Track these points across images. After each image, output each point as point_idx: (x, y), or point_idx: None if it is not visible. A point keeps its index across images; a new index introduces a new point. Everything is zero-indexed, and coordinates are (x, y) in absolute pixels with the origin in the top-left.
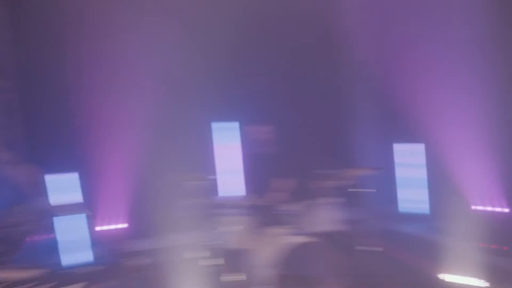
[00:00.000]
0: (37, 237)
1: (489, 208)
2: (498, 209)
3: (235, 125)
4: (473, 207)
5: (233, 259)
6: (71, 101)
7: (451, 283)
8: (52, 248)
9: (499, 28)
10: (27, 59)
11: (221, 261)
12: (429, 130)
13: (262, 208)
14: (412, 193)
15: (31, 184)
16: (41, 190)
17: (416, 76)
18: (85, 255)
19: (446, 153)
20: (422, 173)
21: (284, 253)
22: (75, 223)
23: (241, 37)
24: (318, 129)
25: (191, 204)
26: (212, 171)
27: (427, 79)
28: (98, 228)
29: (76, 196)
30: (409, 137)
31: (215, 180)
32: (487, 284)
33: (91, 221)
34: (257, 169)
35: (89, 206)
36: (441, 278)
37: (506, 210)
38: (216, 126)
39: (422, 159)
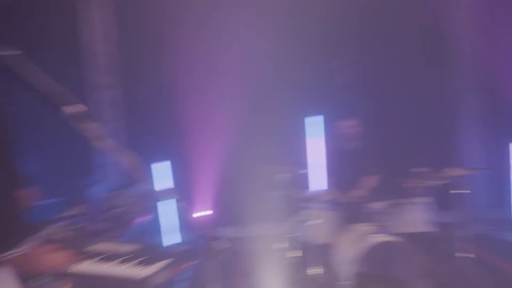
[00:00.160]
0: (140, 218)
1: None
2: None
3: (320, 119)
4: None
5: (315, 253)
6: (166, 95)
7: None
8: (151, 228)
9: None
10: (129, 57)
11: (302, 254)
12: None
13: (347, 204)
14: None
15: (137, 170)
16: (146, 176)
17: None
18: (177, 237)
19: None
20: None
21: (367, 251)
22: (171, 207)
23: (333, 28)
24: (417, 124)
25: (278, 196)
26: (303, 165)
27: None
28: (189, 213)
29: (168, 183)
30: None
31: (305, 174)
32: None
33: (185, 207)
34: (342, 164)
35: (180, 193)
36: None
37: None
38: (309, 121)
39: None
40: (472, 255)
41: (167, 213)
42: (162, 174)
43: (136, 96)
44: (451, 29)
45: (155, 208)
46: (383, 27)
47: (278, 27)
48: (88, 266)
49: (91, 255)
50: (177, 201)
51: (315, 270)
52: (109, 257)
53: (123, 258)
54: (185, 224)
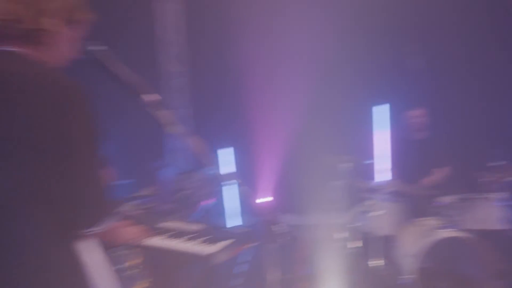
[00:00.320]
0: (206, 201)
1: None
2: None
3: (386, 108)
4: None
5: (376, 245)
6: (232, 84)
7: None
8: (215, 211)
9: None
10: (197, 47)
11: (363, 245)
12: None
13: (413, 196)
14: None
15: (203, 155)
16: (212, 161)
17: None
18: (239, 220)
19: None
20: None
21: (432, 245)
22: (234, 191)
23: (400, 15)
24: (493, 115)
25: (340, 186)
26: (369, 155)
27: None
28: (250, 198)
29: (231, 169)
30: None
31: (371, 165)
32: None
33: (247, 191)
34: (408, 155)
35: (242, 178)
36: None
37: None
38: (376, 110)
39: None
40: None
41: (230, 197)
42: (225, 160)
43: (202, 84)
44: None
45: (219, 192)
46: (453, 13)
47: (345, 14)
48: (158, 241)
49: (160, 232)
50: (240, 185)
51: (376, 262)
52: (176, 235)
53: (189, 236)
54: (247, 208)
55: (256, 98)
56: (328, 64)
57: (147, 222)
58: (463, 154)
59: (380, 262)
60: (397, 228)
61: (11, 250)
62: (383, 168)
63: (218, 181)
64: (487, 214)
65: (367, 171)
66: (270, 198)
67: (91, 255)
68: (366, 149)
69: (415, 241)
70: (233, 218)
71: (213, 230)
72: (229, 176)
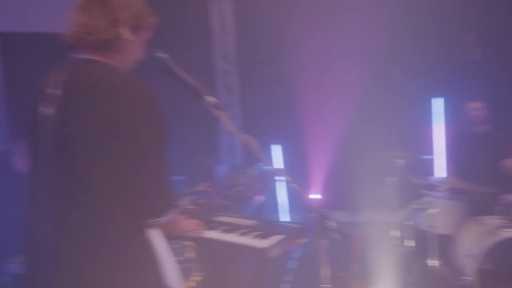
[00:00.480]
0: (258, 196)
1: None
2: None
3: (441, 101)
4: None
5: (433, 244)
6: (281, 81)
7: None
8: (267, 206)
9: None
10: (246, 45)
11: (418, 244)
12: None
13: (473, 193)
14: None
15: (256, 152)
16: (265, 157)
17: None
18: (290, 216)
19: None
20: None
21: (494, 246)
22: (284, 187)
23: (458, 4)
24: None
25: (394, 182)
26: (427, 150)
27: None
28: (300, 194)
29: (279, 166)
30: None
31: (429, 160)
32: None
33: (296, 188)
34: (467, 150)
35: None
36: None
37: None
38: (436, 103)
39: None
40: None
41: (281, 193)
42: (274, 158)
43: (251, 82)
44: None
45: (272, 187)
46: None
47: (402, 5)
48: (212, 234)
49: (214, 226)
50: (289, 182)
51: (432, 262)
52: (229, 229)
53: (242, 230)
54: (296, 204)
55: (305, 95)
56: (382, 57)
57: (201, 216)
58: None
59: (436, 262)
60: (455, 227)
61: (98, 239)
62: (442, 163)
63: (270, 176)
64: None
65: (425, 167)
66: (318, 196)
67: (158, 243)
68: (423, 144)
69: (475, 241)
70: (284, 214)
71: (266, 225)
72: (279, 172)
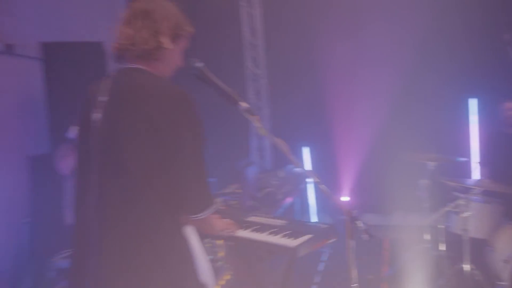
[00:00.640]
0: (288, 198)
1: None
2: None
3: (475, 101)
4: None
5: (465, 248)
6: (309, 84)
7: None
8: (297, 207)
9: None
10: (275, 49)
11: (450, 247)
12: None
13: (508, 196)
14: None
15: (287, 154)
16: (295, 159)
17: None
18: (319, 217)
19: None
20: None
21: None
22: (313, 190)
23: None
24: None
25: (426, 185)
26: (463, 151)
27: None
28: (329, 196)
29: (307, 168)
30: None
31: (466, 162)
32: None
33: (325, 189)
34: (503, 151)
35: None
36: None
37: None
38: (472, 103)
39: None
40: None
41: (311, 195)
42: (303, 160)
43: (279, 86)
44: None
45: (301, 190)
46: None
47: (437, 3)
48: (243, 233)
49: (245, 226)
50: (318, 183)
51: (465, 266)
52: (260, 228)
53: (272, 230)
54: (326, 206)
55: (334, 96)
56: (414, 57)
57: (233, 216)
58: None
59: (469, 266)
60: (489, 230)
61: (140, 233)
62: (478, 165)
63: (300, 178)
64: None
65: (462, 169)
66: (347, 198)
67: (194, 241)
68: (459, 145)
69: (510, 245)
70: (314, 216)
71: (295, 225)
72: (308, 174)
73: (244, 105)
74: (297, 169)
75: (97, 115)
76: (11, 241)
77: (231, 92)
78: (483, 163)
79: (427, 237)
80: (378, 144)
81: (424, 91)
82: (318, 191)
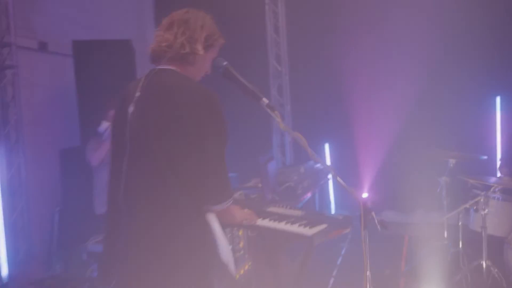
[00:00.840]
0: (309, 193)
1: None
2: None
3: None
4: None
5: (483, 245)
6: (331, 81)
7: None
8: (318, 202)
9: None
10: (297, 46)
11: (467, 245)
12: None
13: None
14: None
15: (307, 149)
16: (315, 155)
17: None
18: (340, 211)
19: None
20: None
21: None
22: (334, 184)
23: None
24: None
25: (446, 182)
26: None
27: None
28: (347, 190)
29: (328, 163)
30: None
31: (492, 160)
32: None
33: (343, 184)
34: None
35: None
36: None
37: None
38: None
39: None
40: None
41: (330, 190)
42: (324, 155)
43: (301, 82)
44: None
45: (321, 185)
46: None
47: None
48: (262, 223)
49: (265, 216)
50: (337, 178)
51: (483, 263)
52: (278, 218)
53: (289, 219)
54: (345, 201)
55: (356, 93)
56: (436, 54)
57: (253, 207)
58: None
59: (488, 263)
60: (508, 228)
61: (166, 217)
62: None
63: (320, 174)
64: None
65: (486, 167)
66: (365, 194)
67: (215, 226)
68: (484, 143)
69: None
70: (333, 211)
71: (311, 215)
72: (328, 170)
73: (265, 101)
74: (318, 165)
75: (131, 109)
76: (44, 228)
77: (254, 88)
78: (504, 161)
79: (446, 234)
80: (399, 141)
81: (448, 89)
82: (337, 187)
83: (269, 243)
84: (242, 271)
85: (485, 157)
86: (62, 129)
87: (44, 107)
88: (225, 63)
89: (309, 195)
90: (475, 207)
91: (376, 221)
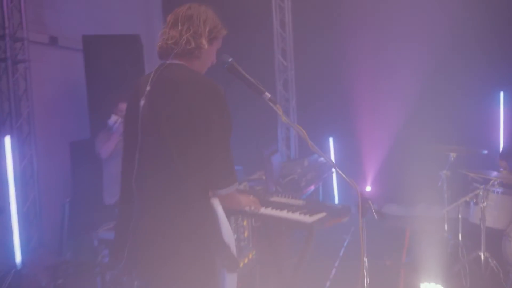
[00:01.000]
0: (311, 186)
1: None
2: None
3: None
4: None
5: (482, 237)
6: (335, 77)
7: None
8: (321, 195)
9: None
10: (302, 41)
11: (467, 237)
12: None
13: None
14: None
15: (309, 142)
16: (318, 148)
17: None
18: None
19: None
20: None
21: None
22: (337, 178)
23: None
24: None
25: (448, 176)
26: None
27: None
28: (349, 183)
29: (331, 157)
30: None
31: (495, 154)
32: None
33: (347, 179)
34: None
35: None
36: None
37: None
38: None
39: None
40: None
41: (333, 183)
42: (327, 149)
43: (306, 77)
44: None
45: (324, 178)
46: None
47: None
48: (265, 211)
49: (267, 204)
50: (339, 172)
51: (482, 255)
52: (280, 207)
53: (291, 208)
54: (348, 195)
55: (360, 88)
56: (439, 51)
57: (257, 196)
58: None
59: (486, 255)
60: (507, 221)
61: (173, 199)
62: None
63: (324, 167)
64: None
65: (489, 161)
66: (368, 188)
67: (219, 207)
68: (487, 137)
69: None
70: (332, 198)
71: (311, 204)
72: (331, 163)
73: (267, 95)
74: (321, 159)
75: (142, 102)
76: (55, 217)
77: (257, 83)
78: (504, 155)
79: (446, 227)
80: (401, 136)
81: (452, 83)
82: (341, 181)
83: (272, 232)
84: (246, 260)
85: (486, 152)
86: (72, 122)
87: (55, 100)
88: (230, 59)
89: (312, 188)
90: (474, 200)
91: (373, 210)
